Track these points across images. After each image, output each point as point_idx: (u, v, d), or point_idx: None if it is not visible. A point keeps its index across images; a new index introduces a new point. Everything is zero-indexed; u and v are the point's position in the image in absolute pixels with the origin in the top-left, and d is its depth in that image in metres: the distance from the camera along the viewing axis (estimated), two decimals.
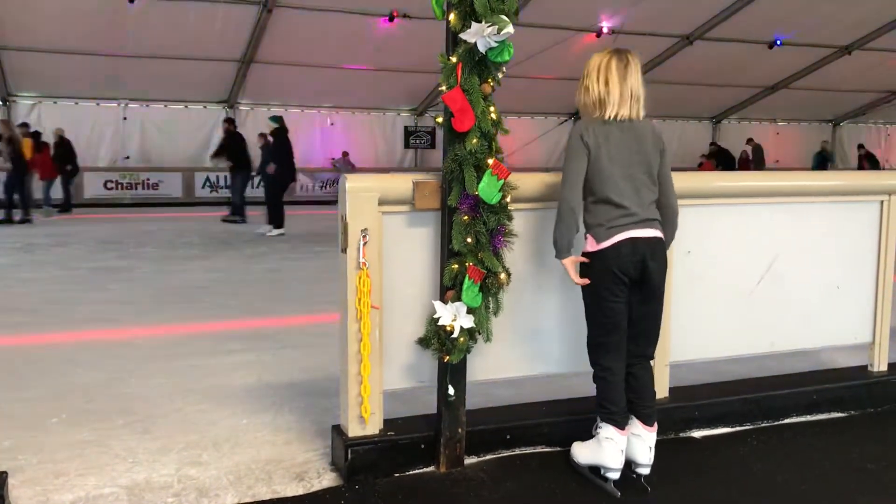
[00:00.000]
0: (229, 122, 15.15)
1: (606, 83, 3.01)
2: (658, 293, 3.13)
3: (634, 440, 3.14)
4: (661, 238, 3.09)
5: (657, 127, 3.16)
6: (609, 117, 3.01)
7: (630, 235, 3.00)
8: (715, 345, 3.91)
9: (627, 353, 3.12)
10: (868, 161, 22.78)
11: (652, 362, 3.24)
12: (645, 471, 3.15)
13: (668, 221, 3.15)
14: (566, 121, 21.40)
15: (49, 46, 15.32)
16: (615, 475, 3.10)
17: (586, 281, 3.05)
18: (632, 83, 3.02)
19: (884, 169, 22.56)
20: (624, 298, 3.04)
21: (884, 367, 4.28)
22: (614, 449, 3.08)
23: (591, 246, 3.03)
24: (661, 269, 3.09)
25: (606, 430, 3.10)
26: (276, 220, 12.30)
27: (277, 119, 12.84)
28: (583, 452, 3.24)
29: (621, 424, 3.09)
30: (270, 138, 12.74)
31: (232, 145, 14.24)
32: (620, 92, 3.00)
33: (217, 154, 14.66)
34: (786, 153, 23.75)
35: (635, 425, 3.14)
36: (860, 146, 23.48)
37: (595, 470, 3.17)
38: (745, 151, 22.39)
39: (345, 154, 20.42)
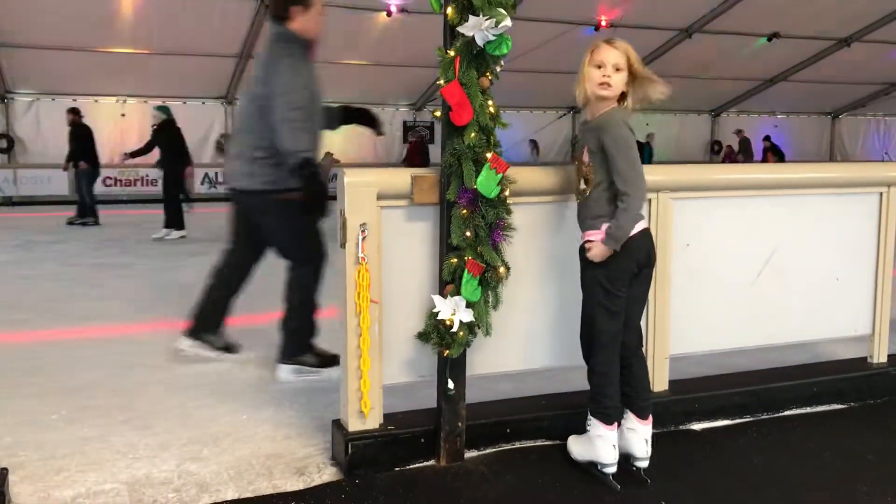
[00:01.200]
0: (74, 112, 13.21)
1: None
2: (650, 279, 3.21)
3: (630, 434, 3.14)
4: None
5: None
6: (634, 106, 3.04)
7: (644, 227, 3.07)
8: (714, 337, 3.91)
9: (622, 345, 3.14)
10: (773, 154, 21.47)
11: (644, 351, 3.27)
12: (643, 464, 3.15)
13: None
14: (564, 115, 21.37)
15: (46, 43, 15.27)
16: (612, 469, 3.10)
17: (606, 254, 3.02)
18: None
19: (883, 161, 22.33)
20: (628, 287, 3.08)
21: (883, 359, 4.28)
22: (606, 445, 3.09)
23: None
24: (655, 259, 3.18)
25: (596, 428, 3.11)
26: (175, 222, 11.21)
27: (164, 109, 11.57)
28: (578, 448, 3.25)
29: (611, 420, 3.09)
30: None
31: (77, 139, 12.74)
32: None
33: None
34: (785, 146, 23.72)
35: (630, 419, 3.15)
36: (766, 138, 22.26)
37: (593, 464, 3.18)
38: (730, 145, 22.03)
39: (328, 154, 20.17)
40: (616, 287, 3.05)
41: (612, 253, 2.99)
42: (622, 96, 3.01)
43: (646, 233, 3.09)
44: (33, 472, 3.19)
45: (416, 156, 19.57)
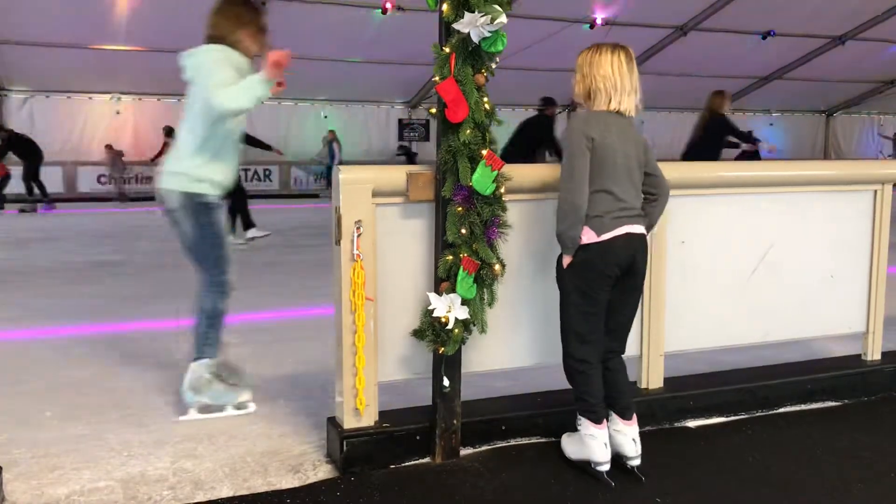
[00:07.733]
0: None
1: (619, 75, 3.03)
2: (640, 288, 3.18)
3: (617, 435, 3.15)
4: (645, 235, 3.12)
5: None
6: (614, 108, 3.04)
7: (628, 231, 3.02)
8: (709, 335, 3.92)
9: (605, 348, 3.14)
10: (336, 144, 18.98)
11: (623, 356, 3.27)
12: (636, 462, 3.15)
13: (658, 206, 3.19)
14: (559, 112, 21.35)
15: (41, 40, 15.23)
16: (605, 467, 3.11)
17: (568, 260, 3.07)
18: (635, 78, 3.07)
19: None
20: (609, 290, 3.06)
21: (877, 357, 4.29)
22: (597, 444, 3.09)
23: (590, 237, 3.02)
24: (645, 265, 3.14)
25: (586, 428, 3.12)
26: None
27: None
28: (571, 448, 3.26)
29: (599, 418, 3.10)
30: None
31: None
32: (632, 84, 3.04)
33: None
34: (780, 143, 23.75)
35: (615, 421, 3.15)
36: (330, 131, 19.81)
37: (587, 462, 3.18)
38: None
39: (108, 147, 18.45)
40: (593, 288, 3.04)
41: (577, 254, 3.02)
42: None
43: (627, 237, 3.01)
44: (27, 470, 3.18)
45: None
